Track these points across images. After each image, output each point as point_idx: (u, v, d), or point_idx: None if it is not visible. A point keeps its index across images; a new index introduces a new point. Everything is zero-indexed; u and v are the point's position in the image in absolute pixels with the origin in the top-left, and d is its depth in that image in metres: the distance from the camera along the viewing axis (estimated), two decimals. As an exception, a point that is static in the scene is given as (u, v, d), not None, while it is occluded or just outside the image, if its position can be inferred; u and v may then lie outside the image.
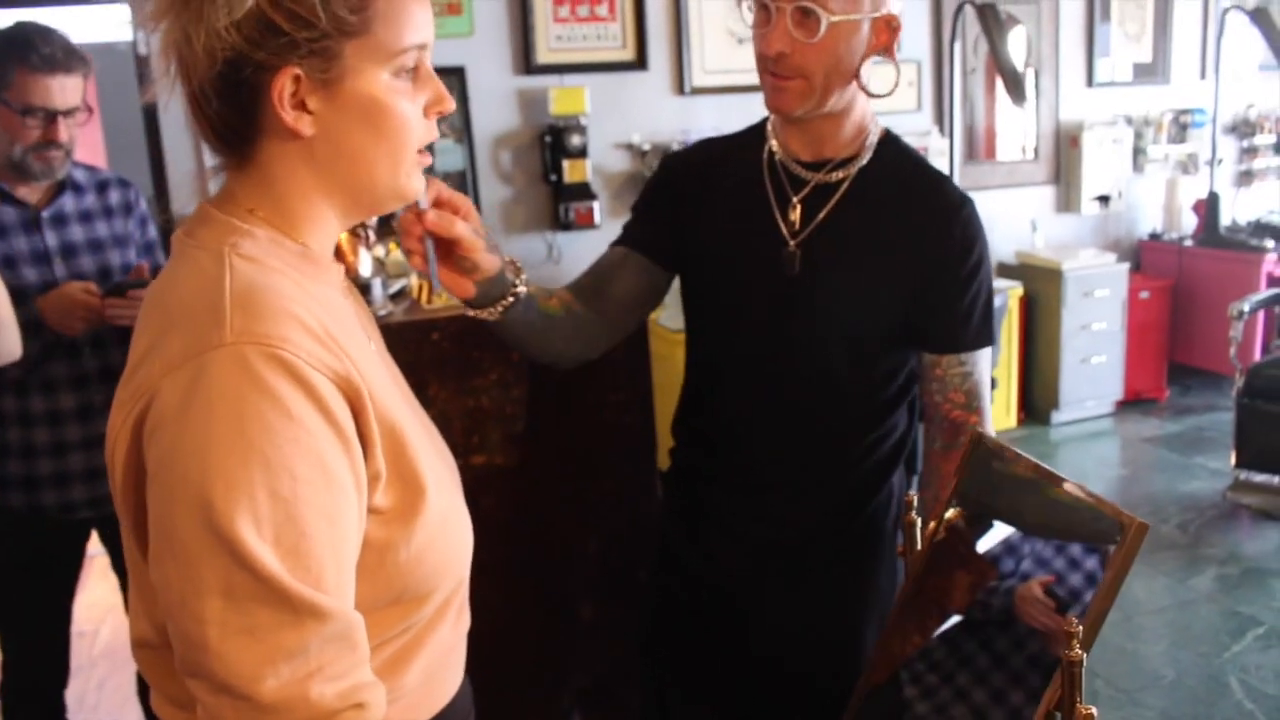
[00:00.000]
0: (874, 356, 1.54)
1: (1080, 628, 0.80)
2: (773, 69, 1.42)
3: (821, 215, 1.49)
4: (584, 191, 4.29)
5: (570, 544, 2.11)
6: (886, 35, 1.44)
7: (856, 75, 1.44)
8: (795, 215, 1.50)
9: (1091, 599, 0.84)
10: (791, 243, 1.50)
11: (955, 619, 1.19)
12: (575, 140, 4.22)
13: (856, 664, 1.55)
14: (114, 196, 2.21)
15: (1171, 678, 3.09)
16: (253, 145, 0.94)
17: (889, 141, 1.54)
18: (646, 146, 4.44)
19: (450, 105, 1.00)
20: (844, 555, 1.61)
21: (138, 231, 2.26)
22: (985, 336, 1.53)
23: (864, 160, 1.50)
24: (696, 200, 1.58)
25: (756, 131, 1.61)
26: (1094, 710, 0.81)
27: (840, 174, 1.50)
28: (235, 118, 0.92)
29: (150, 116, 3.72)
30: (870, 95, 1.48)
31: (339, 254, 1.03)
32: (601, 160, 4.43)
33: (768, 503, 1.60)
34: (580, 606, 2.15)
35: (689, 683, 1.71)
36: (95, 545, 2.25)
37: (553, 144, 4.25)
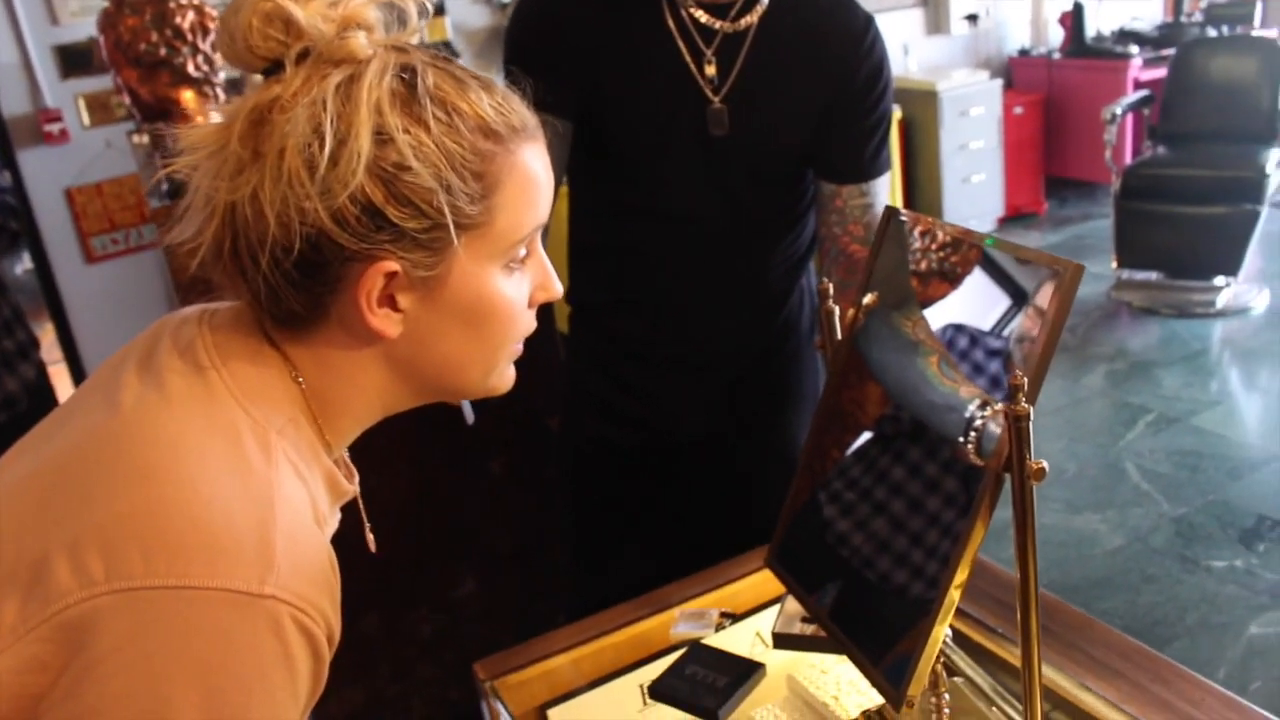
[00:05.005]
0: (792, 184, 1.54)
1: (1025, 380, 0.76)
2: None
3: (738, 66, 1.43)
4: (447, 51, 4.08)
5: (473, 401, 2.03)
6: None
7: None
8: (711, 70, 1.43)
9: (1031, 347, 0.80)
10: (716, 100, 1.43)
11: (867, 435, 1.15)
12: (430, -5, 3.99)
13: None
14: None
15: (1073, 471, 3.20)
16: (312, 329, 0.75)
17: None
18: (506, -3, 4.24)
19: (558, 290, 0.81)
20: (768, 360, 1.63)
21: None
22: (884, 163, 1.53)
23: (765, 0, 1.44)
24: (591, 52, 1.45)
25: None
26: (1044, 463, 0.78)
27: (747, 20, 1.43)
28: (298, 301, 0.73)
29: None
30: None
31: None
32: (461, 17, 4.21)
33: (689, 325, 1.58)
34: (491, 462, 2.09)
35: (622, 529, 1.70)
36: None
37: (406, 1, 4.02)
